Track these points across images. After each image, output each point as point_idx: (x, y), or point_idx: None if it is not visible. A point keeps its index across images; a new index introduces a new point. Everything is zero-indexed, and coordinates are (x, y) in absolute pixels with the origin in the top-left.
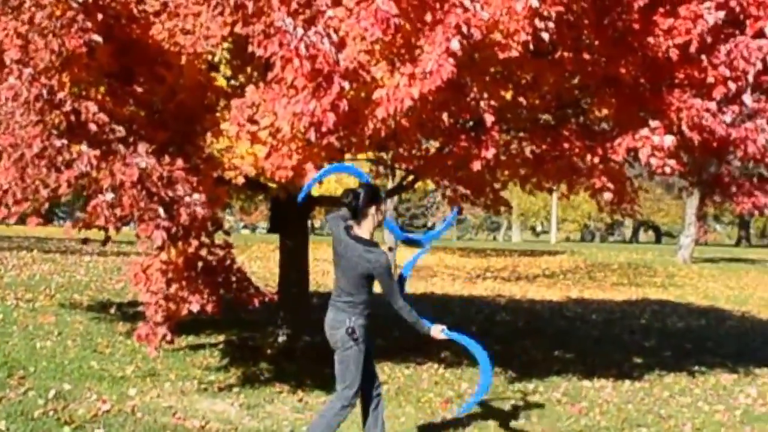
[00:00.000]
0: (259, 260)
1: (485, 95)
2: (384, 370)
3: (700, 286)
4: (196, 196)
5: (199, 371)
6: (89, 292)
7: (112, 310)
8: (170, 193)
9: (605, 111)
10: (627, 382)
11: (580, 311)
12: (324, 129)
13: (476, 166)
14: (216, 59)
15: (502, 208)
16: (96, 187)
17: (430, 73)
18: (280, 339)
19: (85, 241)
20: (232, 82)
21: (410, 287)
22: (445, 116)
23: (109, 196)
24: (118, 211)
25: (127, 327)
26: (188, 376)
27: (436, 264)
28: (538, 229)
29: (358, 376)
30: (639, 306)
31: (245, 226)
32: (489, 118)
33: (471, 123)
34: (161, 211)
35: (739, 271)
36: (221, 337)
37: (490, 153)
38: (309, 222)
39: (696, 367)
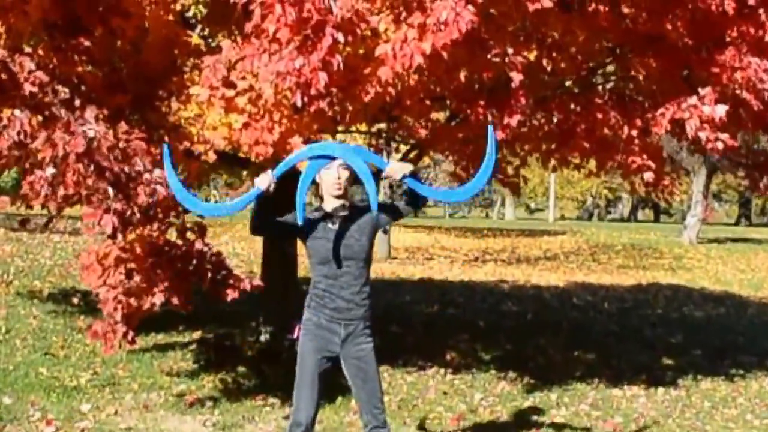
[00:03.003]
0: (244, 240)
1: (510, 51)
2: (384, 377)
3: (709, 269)
4: (157, 171)
5: (167, 379)
6: (52, 278)
7: (75, 300)
8: (126, 169)
9: (644, 76)
10: (660, 390)
11: (590, 299)
12: (313, 92)
13: (498, 135)
14: (190, 13)
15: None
16: (34, 159)
17: (444, 24)
18: (263, 337)
19: (23, 222)
20: (210, 42)
21: (405, 272)
22: (461, 76)
23: (49, 171)
24: (60, 190)
25: (89, 321)
26: (154, 385)
27: (432, 245)
28: (533, 206)
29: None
30: (650, 292)
31: None
32: (516, 77)
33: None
34: (110, 190)
35: (748, 252)
36: (195, 335)
37: (515, 120)
38: None
39: (733, 370)
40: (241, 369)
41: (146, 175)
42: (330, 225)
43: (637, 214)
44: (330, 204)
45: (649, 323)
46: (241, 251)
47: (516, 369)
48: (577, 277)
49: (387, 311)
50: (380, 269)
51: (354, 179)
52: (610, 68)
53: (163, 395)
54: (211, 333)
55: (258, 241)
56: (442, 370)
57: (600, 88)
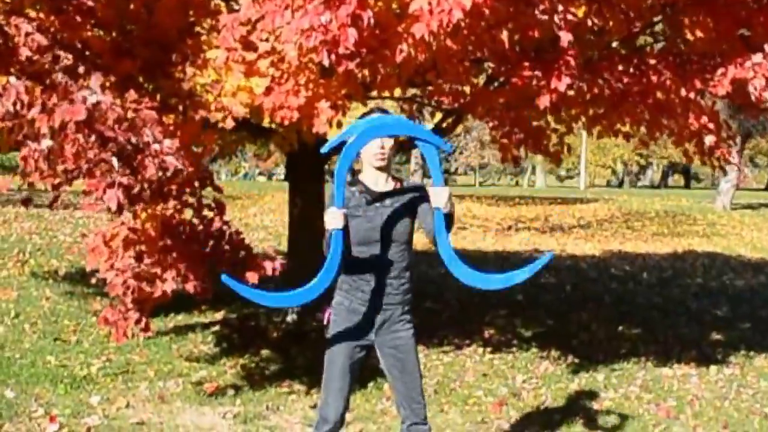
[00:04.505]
0: (272, 213)
1: (559, 8)
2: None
3: (744, 235)
4: (167, 142)
5: (186, 365)
6: (70, 257)
7: (93, 280)
8: (133, 139)
9: (699, 34)
10: (713, 368)
11: (628, 269)
12: (342, 50)
13: (544, 101)
14: None
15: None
16: (30, 130)
17: None
18: (289, 318)
19: (26, 202)
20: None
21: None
22: (504, 35)
23: (45, 143)
24: (59, 164)
25: (105, 304)
26: (172, 372)
27: (464, 215)
28: (563, 173)
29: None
30: (688, 260)
31: (261, 173)
32: (565, 37)
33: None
34: (115, 162)
35: None
36: (218, 315)
37: (563, 84)
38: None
39: None
40: (266, 352)
41: (155, 146)
42: (370, 202)
43: (668, 181)
44: (370, 176)
45: (690, 294)
46: (270, 224)
47: (559, 347)
48: (612, 245)
49: (420, 285)
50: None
51: (397, 149)
52: (659, 28)
53: (181, 383)
54: (235, 313)
55: (287, 213)
56: (480, 349)
57: (648, 49)
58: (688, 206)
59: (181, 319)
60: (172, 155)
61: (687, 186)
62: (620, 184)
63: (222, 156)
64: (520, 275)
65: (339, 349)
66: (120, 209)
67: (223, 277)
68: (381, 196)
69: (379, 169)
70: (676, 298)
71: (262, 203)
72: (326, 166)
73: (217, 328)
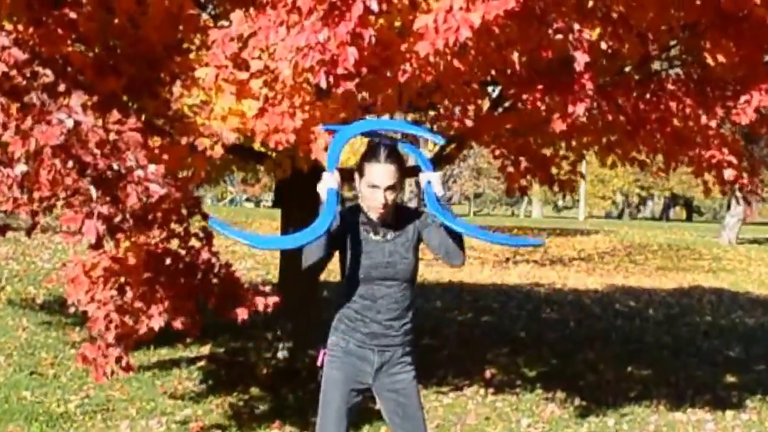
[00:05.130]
0: None
1: (575, 26)
2: None
3: (752, 271)
4: (151, 167)
5: (170, 402)
6: (48, 285)
7: (72, 310)
8: (115, 165)
9: (720, 59)
10: (729, 414)
11: (634, 304)
12: (340, 70)
13: (559, 126)
14: None
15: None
16: (3, 155)
17: None
18: (280, 354)
19: (2, 230)
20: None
21: (434, 275)
22: (515, 56)
23: (19, 169)
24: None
25: (84, 335)
26: (154, 410)
27: None
28: (560, 204)
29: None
30: (694, 297)
31: (248, 199)
32: (581, 58)
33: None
34: (93, 191)
35: None
36: (204, 349)
37: (581, 108)
38: None
39: None
40: (255, 390)
41: (138, 172)
42: (371, 235)
43: (669, 213)
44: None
45: (700, 332)
46: (258, 253)
47: (565, 388)
48: (615, 279)
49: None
50: None
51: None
52: (674, 52)
53: (165, 423)
54: (223, 347)
55: None
56: (482, 390)
57: (663, 75)
58: (692, 240)
59: (165, 353)
60: (156, 182)
61: (689, 219)
62: (620, 216)
63: (208, 181)
64: (509, 241)
65: (334, 392)
66: (99, 242)
67: (210, 220)
68: (384, 229)
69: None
70: (686, 337)
71: (251, 228)
72: None
73: (203, 363)
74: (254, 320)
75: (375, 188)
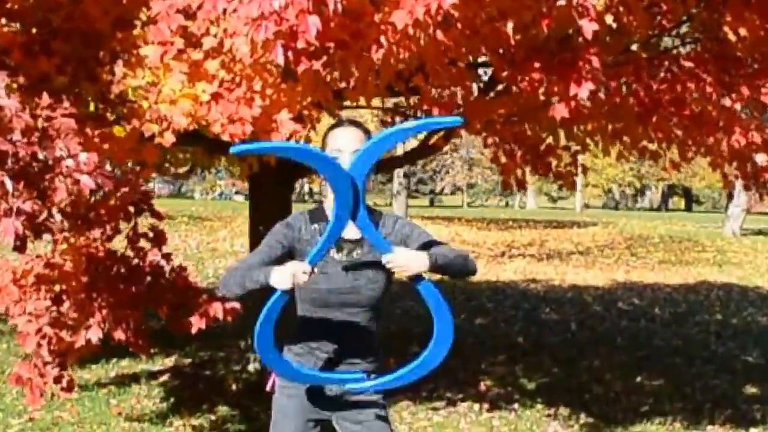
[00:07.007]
0: (243, 236)
1: None
2: (402, 416)
3: (759, 263)
4: (83, 156)
5: (124, 426)
6: None
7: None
8: (40, 154)
9: (743, 32)
10: (753, 431)
11: (638, 302)
12: (301, 44)
13: (561, 111)
14: None
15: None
16: None
17: None
18: (251, 366)
19: None
20: None
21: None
22: (509, 29)
23: None
24: None
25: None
26: None
27: (452, 239)
28: (555, 195)
29: None
30: (702, 292)
31: (238, 192)
32: (589, 27)
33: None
34: (8, 183)
35: None
36: (168, 361)
37: (585, 90)
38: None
39: None
40: (223, 409)
41: (68, 162)
42: (333, 252)
43: (668, 203)
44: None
45: (712, 334)
46: (240, 248)
47: (568, 402)
48: (616, 274)
49: (404, 325)
50: None
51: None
52: (685, 28)
53: None
54: (188, 358)
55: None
56: (476, 405)
57: (677, 52)
58: (694, 231)
59: (125, 365)
60: (87, 174)
61: (689, 208)
62: (616, 206)
63: (194, 172)
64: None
65: (286, 423)
66: (23, 245)
67: (233, 147)
68: (349, 244)
69: None
70: (697, 339)
71: (233, 226)
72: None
73: (166, 377)
74: (224, 327)
75: (339, 154)
